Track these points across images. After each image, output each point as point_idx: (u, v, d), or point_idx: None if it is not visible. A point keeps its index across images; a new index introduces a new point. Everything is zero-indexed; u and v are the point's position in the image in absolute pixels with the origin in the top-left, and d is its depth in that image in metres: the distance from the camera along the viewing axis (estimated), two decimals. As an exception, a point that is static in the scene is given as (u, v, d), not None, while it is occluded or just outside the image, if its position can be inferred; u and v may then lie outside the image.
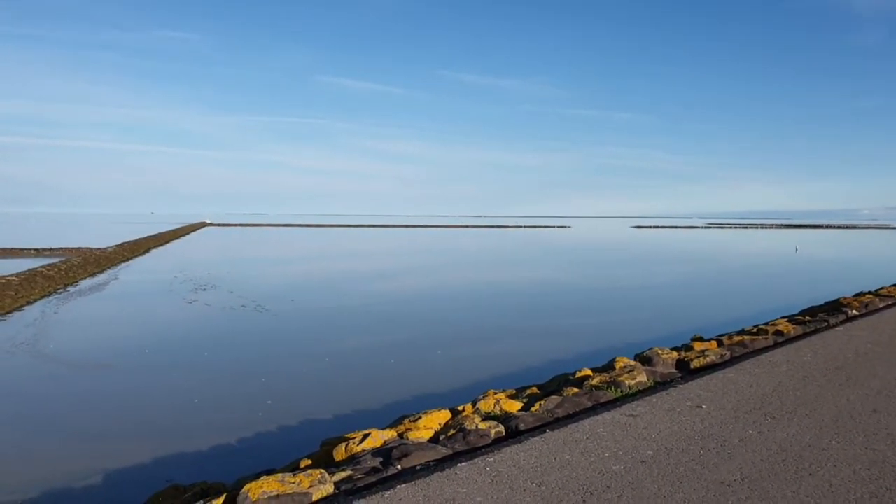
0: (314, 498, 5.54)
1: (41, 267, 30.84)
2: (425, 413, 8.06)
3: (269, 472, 6.68)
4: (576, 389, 8.93)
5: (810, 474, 5.76)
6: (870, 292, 19.95)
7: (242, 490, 5.59)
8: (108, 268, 38.03)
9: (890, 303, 17.29)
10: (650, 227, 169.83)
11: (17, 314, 21.28)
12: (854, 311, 15.60)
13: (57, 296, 25.81)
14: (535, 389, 9.79)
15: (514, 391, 9.84)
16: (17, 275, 26.71)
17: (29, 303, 23.65)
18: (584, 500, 5.26)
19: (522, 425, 7.33)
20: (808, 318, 14.89)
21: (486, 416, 7.99)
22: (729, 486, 5.52)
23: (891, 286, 21.58)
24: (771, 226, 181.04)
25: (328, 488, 5.69)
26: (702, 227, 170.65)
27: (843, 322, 14.31)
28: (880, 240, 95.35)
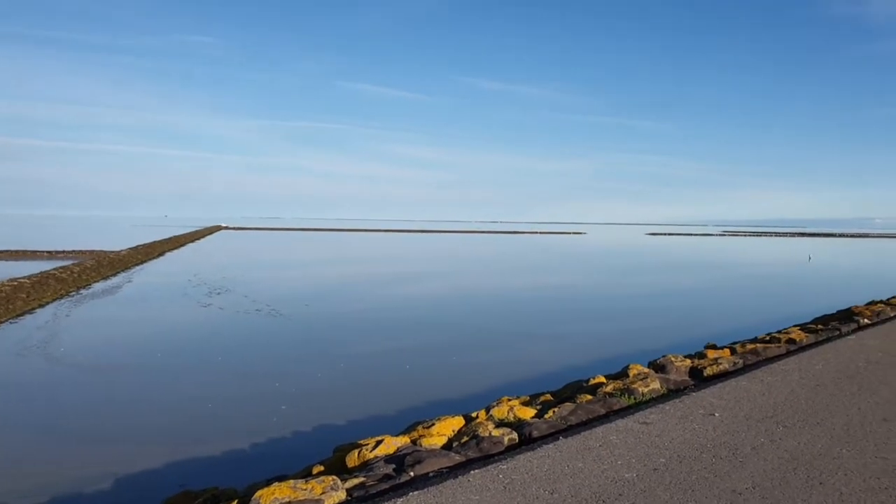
0: (327, 504, 5.58)
1: (54, 269, 31.04)
2: (439, 419, 8.10)
3: (281, 479, 6.74)
4: (589, 396, 8.95)
5: (821, 483, 5.77)
6: (881, 301, 19.85)
7: (254, 496, 5.64)
8: (122, 271, 38.28)
9: (903, 311, 17.17)
10: (665, 233, 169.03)
11: (28, 317, 21.45)
12: (866, 320, 15.53)
13: (69, 299, 26.02)
14: (548, 396, 9.82)
15: (528, 398, 9.85)
16: (29, 277, 26.88)
17: (41, 305, 23.84)
18: (596, 508, 5.28)
19: (536, 432, 7.36)
20: (820, 326, 14.83)
21: (500, 423, 8.02)
22: (741, 494, 5.53)
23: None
24: (785, 234, 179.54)
25: (340, 495, 5.73)
26: (716, 235, 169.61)
27: (854, 331, 14.25)
28: (893, 249, 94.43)
